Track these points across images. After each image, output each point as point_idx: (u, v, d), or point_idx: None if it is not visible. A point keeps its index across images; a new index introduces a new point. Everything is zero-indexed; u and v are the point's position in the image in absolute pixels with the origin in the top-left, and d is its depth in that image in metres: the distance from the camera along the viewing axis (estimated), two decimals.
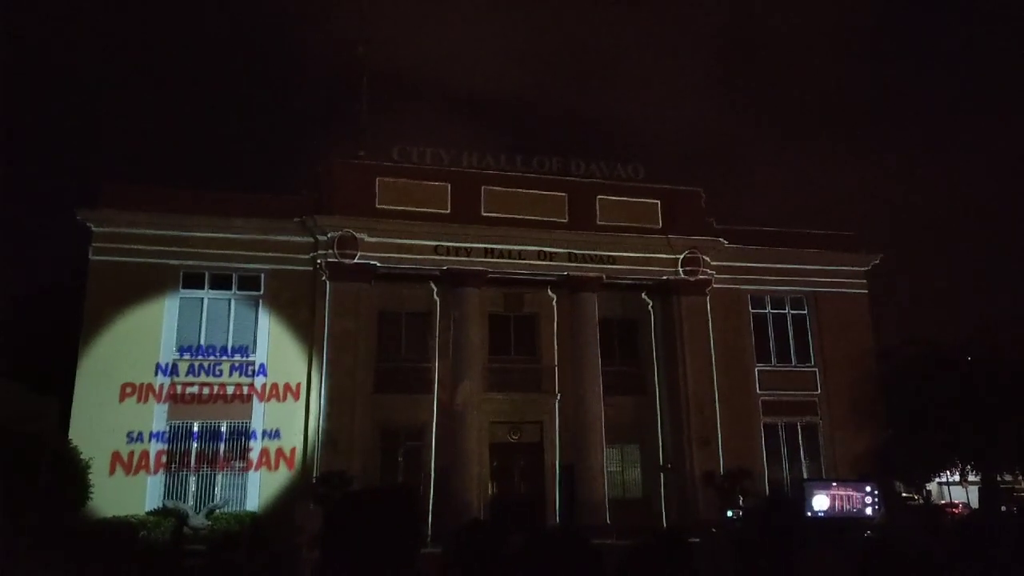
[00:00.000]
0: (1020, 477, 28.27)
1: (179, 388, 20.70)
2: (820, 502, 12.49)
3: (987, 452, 22.99)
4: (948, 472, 27.56)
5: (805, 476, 23.59)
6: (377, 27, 58.76)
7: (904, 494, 25.29)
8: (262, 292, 21.90)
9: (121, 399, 19.74)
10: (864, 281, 26.55)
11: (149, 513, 18.59)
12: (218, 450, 20.82)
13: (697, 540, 16.92)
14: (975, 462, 24.78)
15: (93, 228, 20.81)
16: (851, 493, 12.51)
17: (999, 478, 26.37)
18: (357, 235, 21.74)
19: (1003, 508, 22.94)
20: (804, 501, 12.24)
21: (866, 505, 12.25)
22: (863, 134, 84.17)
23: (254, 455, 20.70)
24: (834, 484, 13.92)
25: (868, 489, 12.50)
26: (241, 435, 20.94)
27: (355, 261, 21.66)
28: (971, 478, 29.53)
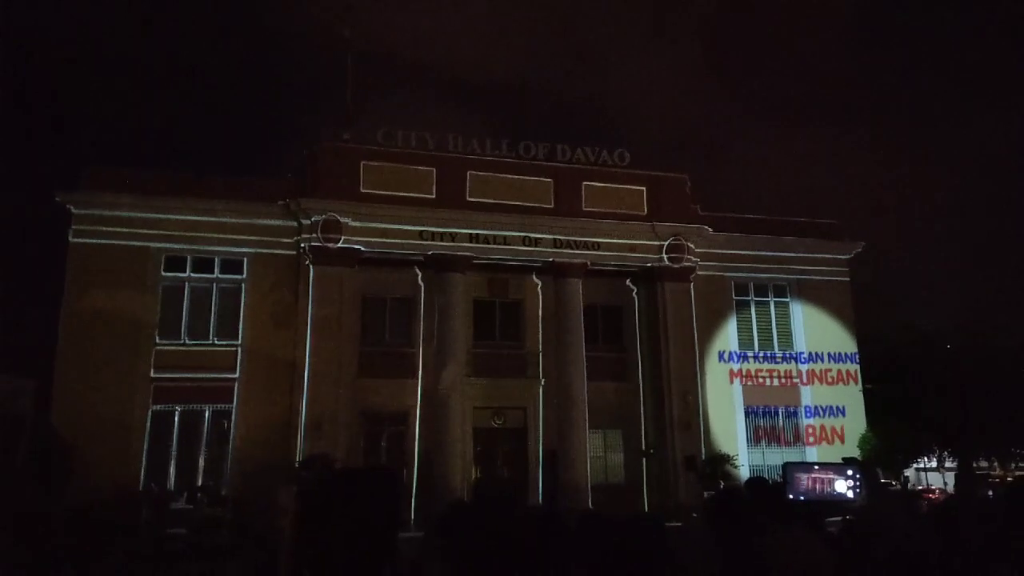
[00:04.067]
0: (995, 463, 28.75)
1: (161, 372, 20.58)
2: (801, 485, 12.63)
3: (964, 438, 23.36)
4: (926, 458, 28.00)
5: (783, 462, 23.87)
6: (363, 8, 58.19)
7: (882, 479, 25.65)
8: (245, 276, 21.77)
9: (102, 382, 19.54)
10: (847, 269, 26.76)
11: (131, 496, 18.49)
12: (201, 434, 20.77)
13: (678, 524, 17.13)
14: (952, 448, 25.18)
15: (73, 210, 20.59)
16: (833, 476, 12.66)
17: (975, 464, 26.80)
18: (341, 219, 21.61)
19: (990, 493, 23.26)
20: (786, 484, 12.40)
21: (848, 489, 12.39)
22: (848, 122, 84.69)
23: (237, 439, 20.64)
24: (816, 467, 14.08)
25: (850, 473, 12.65)
26: (224, 419, 20.89)
27: (339, 245, 21.54)
28: (948, 464, 29.99)
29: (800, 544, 4.16)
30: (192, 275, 21.60)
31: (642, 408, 24.22)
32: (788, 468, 14.10)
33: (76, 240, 20.52)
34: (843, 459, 19.65)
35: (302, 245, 21.59)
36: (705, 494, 20.55)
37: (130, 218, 20.83)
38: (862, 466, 15.42)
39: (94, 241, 20.56)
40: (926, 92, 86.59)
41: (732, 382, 24.58)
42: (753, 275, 25.73)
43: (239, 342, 21.34)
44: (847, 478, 12.62)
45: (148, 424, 20.30)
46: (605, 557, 3.85)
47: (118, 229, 20.73)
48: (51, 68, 58.84)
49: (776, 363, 25.35)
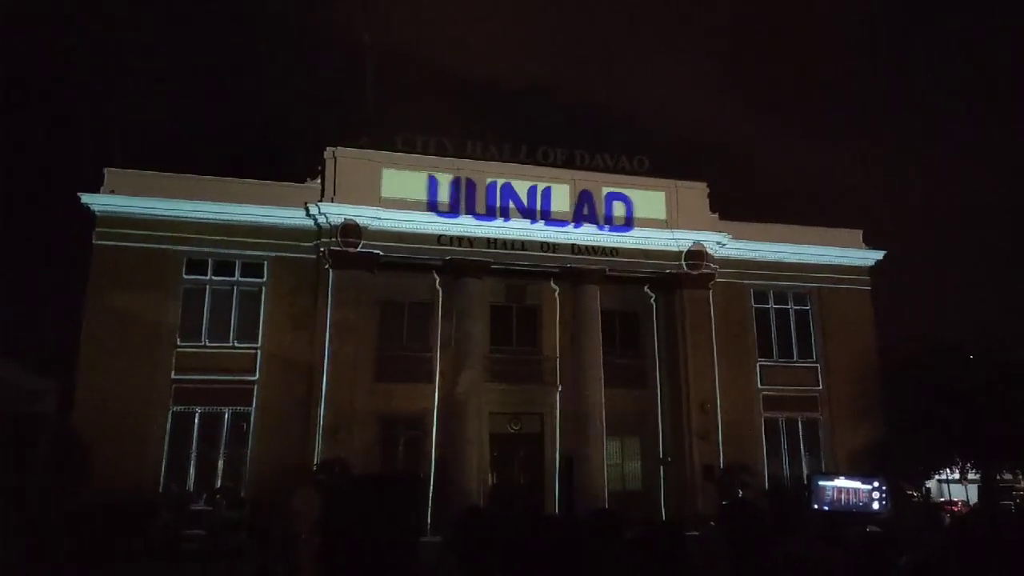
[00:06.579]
0: (1020, 476, 28.28)
1: (182, 374, 20.75)
2: (826, 496, 12.57)
3: (987, 450, 22.99)
4: (948, 470, 27.60)
5: (805, 472, 23.65)
6: (384, 11, 58.52)
7: (907, 492, 25.31)
8: (265, 279, 21.92)
9: (124, 383, 19.72)
10: (867, 277, 26.52)
11: (150, 497, 18.65)
12: (220, 436, 20.88)
13: (696, 533, 17.01)
14: (975, 460, 24.79)
15: (97, 212, 20.84)
16: (858, 487, 12.57)
17: (999, 476, 26.37)
18: (361, 223, 21.72)
19: (1010, 505, 22.92)
20: (810, 494, 12.38)
21: (873, 500, 12.30)
22: (871, 129, 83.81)
23: (256, 441, 20.75)
24: (841, 478, 14.02)
25: (876, 484, 12.55)
26: (243, 421, 21.01)
27: (358, 250, 21.63)
28: (971, 476, 29.56)
29: (814, 553, 4.13)
30: (213, 278, 21.77)
31: (660, 416, 24.11)
32: (813, 479, 14.08)
33: (99, 242, 20.76)
34: (868, 471, 19.45)
35: (322, 249, 21.71)
36: (723, 503, 20.42)
37: (152, 221, 21.06)
38: (888, 478, 15.30)
39: (117, 244, 20.77)
40: (952, 100, 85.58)
41: (751, 391, 24.39)
42: (773, 283, 25.54)
43: (258, 345, 21.47)
44: (872, 489, 12.54)
45: (168, 425, 20.45)
46: (625, 565, 3.85)
47: (141, 232, 20.95)
48: (76, 68, 59.65)
49: (795, 371, 25.15)
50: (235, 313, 21.68)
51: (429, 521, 19.24)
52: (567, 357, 23.47)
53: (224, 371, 21.10)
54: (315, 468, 19.33)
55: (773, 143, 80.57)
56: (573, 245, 23.33)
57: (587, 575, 3.88)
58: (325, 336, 21.00)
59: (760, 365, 24.79)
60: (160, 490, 19.44)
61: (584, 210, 23.55)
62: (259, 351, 21.42)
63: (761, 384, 24.63)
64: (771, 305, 25.59)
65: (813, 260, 25.79)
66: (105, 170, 21.40)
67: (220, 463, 20.71)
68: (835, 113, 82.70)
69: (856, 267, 26.35)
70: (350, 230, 21.62)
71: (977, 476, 27.45)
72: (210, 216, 21.48)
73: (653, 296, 25.08)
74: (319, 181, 22.47)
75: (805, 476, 22.65)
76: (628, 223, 23.77)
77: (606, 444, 22.63)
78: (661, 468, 23.60)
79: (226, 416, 21.04)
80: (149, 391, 20.20)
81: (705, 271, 24.05)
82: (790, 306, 25.77)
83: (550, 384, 23.62)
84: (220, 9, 71.43)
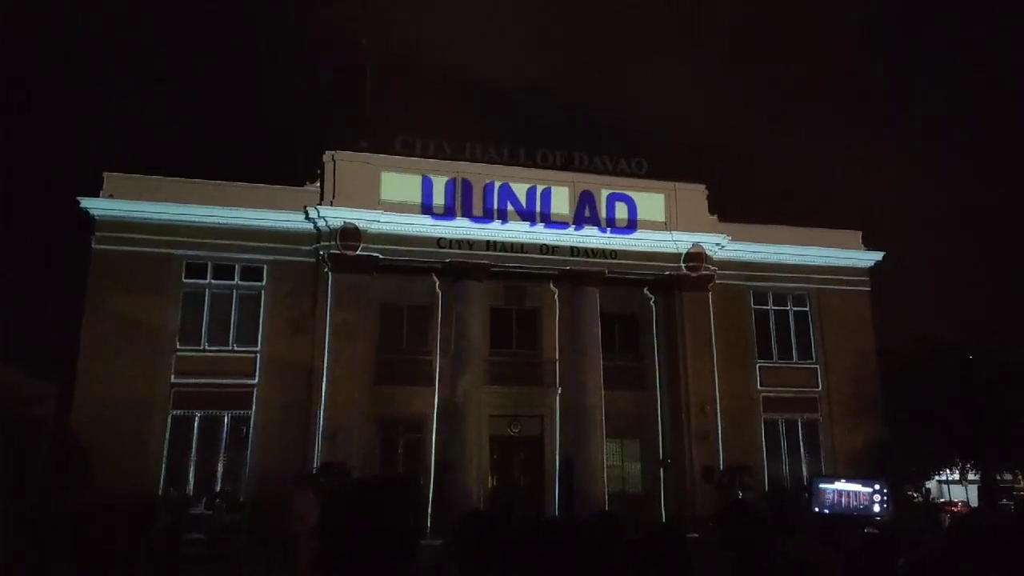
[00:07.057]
0: (1020, 476, 28.28)
1: (181, 377, 20.74)
2: (827, 498, 12.55)
3: (986, 451, 23.01)
4: (948, 471, 27.60)
5: (805, 473, 23.66)
6: (384, 12, 58.55)
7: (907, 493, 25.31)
8: (264, 283, 21.92)
9: (123, 387, 19.71)
10: (866, 279, 26.54)
11: (150, 501, 18.61)
12: (220, 439, 20.88)
13: (696, 535, 16.99)
14: (974, 461, 24.80)
15: (96, 216, 20.84)
16: (859, 490, 12.55)
17: (998, 477, 26.37)
18: (360, 227, 21.73)
19: (1010, 506, 22.93)
20: (811, 497, 12.39)
21: (874, 503, 12.29)
22: (871, 129, 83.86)
23: (255, 445, 20.74)
24: (842, 481, 14.00)
25: (877, 487, 12.53)
26: (242, 424, 21.00)
27: (357, 253, 21.64)
28: (971, 477, 29.56)
29: (813, 555, 4.14)
30: (213, 282, 21.77)
31: (659, 417, 24.11)
32: (814, 482, 14.08)
33: (99, 247, 20.77)
34: (868, 473, 19.45)
35: (321, 253, 21.72)
36: (723, 504, 20.44)
37: (151, 225, 21.06)
38: (889, 479, 15.25)
39: (116, 248, 20.79)
40: (951, 97, 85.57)
41: (750, 392, 24.39)
42: (772, 284, 25.55)
43: (258, 348, 21.47)
44: (873, 492, 12.54)
45: (168, 429, 20.44)
46: (625, 568, 3.84)
47: (140, 236, 20.96)
48: (76, 68, 59.59)
49: (795, 373, 25.15)
50: (234, 317, 21.69)
51: (429, 524, 19.22)
52: (567, 359, 23.47)
53: (224, 375, 21.10)
54: (315, 471, 19.31)
55: (773, 143, 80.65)
56: (572, 247, 23.34)
57: None
58: (325, 339, 21.00)
59: (759, 366, 24.80)
60: (160, 493, 19.42)
61: (585, 212, 23.55)
62: (258, 355, 21.42)
63: (761, 385, 24.64)
64: (770, 306, 25.60)
65: (812, 261, 25.80)
66: (104, 174, 21.41)
67: (220, 467, 20.70)
68: (835, 113, 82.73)
69: (855, 268, 26.37)
70: (349, 233, 21.63)
71: (977, 477, 27.47)
72: (209, 220, 21.49)
73: (652, 298, 25.10)
74: (318, 184, 22.49)
75: (805, 477, 22.69)
76: (630, 225, 23.76)
77: (606, 446, 22.63)
78: (661, 470, 23.60)
79: (226, 420, 21.04)
80: (149, 395, 20.19)
81: (704, 273, 24.07)
82: (789, 307, 25.78)
83: (550, 386, 23.63)
84: (220, 9, 71.44)
